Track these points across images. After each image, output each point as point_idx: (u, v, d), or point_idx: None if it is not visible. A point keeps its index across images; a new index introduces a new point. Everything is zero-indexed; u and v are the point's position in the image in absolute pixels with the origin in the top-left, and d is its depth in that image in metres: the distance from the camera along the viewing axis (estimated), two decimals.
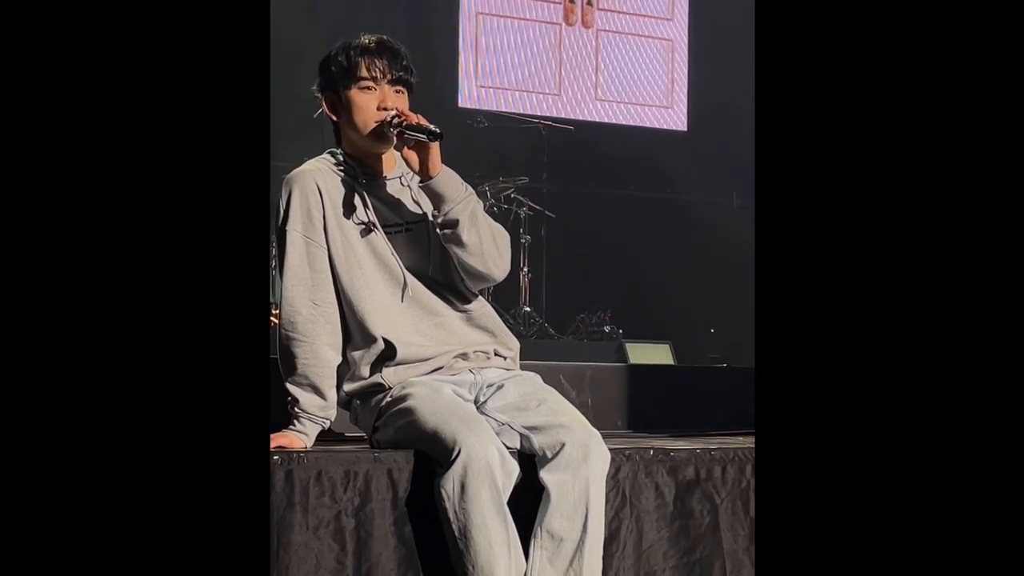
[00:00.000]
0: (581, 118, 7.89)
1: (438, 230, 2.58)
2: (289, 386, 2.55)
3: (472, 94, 7.69)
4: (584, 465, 2.39)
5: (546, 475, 2.40)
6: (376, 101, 2.59)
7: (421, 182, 2.57)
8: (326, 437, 2.64)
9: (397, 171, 2.69)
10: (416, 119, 2.55)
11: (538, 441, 2.43)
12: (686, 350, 6.74)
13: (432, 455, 2.39)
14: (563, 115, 7.77)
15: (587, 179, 7.84)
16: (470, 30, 7.76)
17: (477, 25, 7.78)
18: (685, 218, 8.00)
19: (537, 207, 6.95)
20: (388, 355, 2.56)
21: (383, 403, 2.55)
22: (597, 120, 8.03)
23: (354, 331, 2.59)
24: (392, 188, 2.67)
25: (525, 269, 6.76)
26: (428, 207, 2.63)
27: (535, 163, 7.21)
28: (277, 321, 2.62)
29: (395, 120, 2.55)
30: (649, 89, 8.28)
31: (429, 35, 7.57)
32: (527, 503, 2.41)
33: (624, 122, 8.06)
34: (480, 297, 2.72)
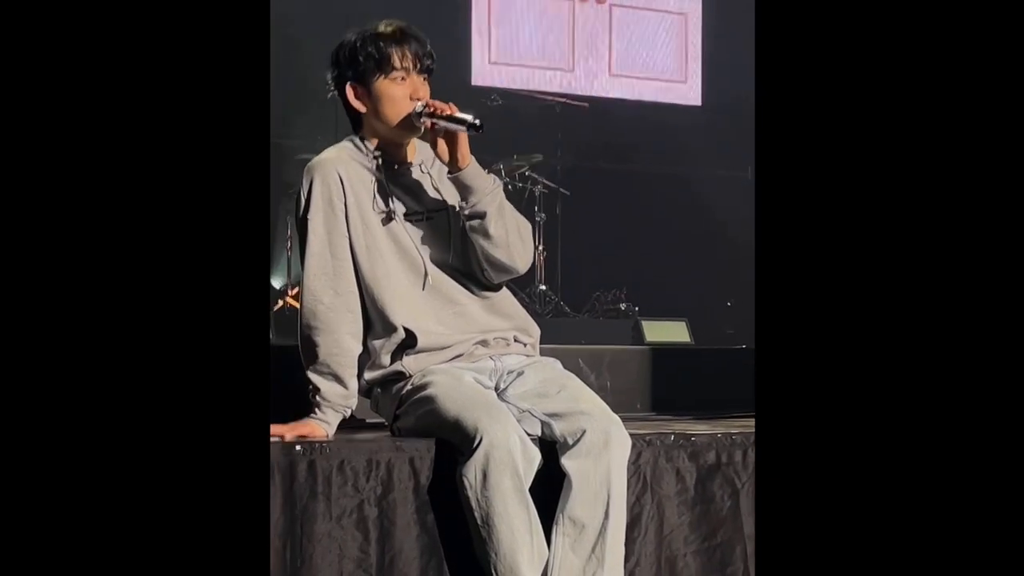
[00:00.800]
0: (595, 94, 7.86)
1: (465, 221, 2.58)
2: (310, 375, 2.55)
3: (485, 72, 7.66)
4: (605, 452, 2.39)
5: (567, 462, 2.40)
6: (408, 92, 2.57)
7: (450, 173, 2.56)
8: (347, 424, 2.65)
9: (417, 158, 2.68)
10: (448, 109, 2.53)
11: (559, 428, 2.43)
12: (702, 326, 6.73)
13: (453, 443, 2.40)
14: (577, 92, 7.73)
15: (602, 156, 7.81)
16: (482, 7, 7.72)
17: (489, 2, 7.75)
18: (700, 193, 7.97)
19: (552, 185, 6.93)
20: (408, 343, 2.56)
21: (404, 391, 2.55)
22: (611, 96, 7.99)
23: (375, 320, 2.59)
24: (413, 176, 2.66)
25: (540, 247, 6.74)
26: (449, 195, 2.63)
27: (549, 140, 7.18)
28: (298, 307, 2.62)
29: (426, 110, 2.54)
30: (663, 64, 8.24)
31: (441, 13, 7.53)
32: (549, 490, 2.42)
33: (638, 98, 8.01)
34: (488, 286, 2.71)
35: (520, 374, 2.58)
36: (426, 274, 2.59)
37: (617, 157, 7.85)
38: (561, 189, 7.03)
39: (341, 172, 2.59)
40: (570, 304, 6.88)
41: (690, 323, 6.48)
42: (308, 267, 2.57)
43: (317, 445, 2.38)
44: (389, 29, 2.59)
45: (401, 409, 2.57)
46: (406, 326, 2.56)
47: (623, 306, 6.89)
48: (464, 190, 2.56)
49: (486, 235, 2.57)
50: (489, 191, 2.56)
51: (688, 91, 8.30)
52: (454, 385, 2.47)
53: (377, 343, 2.59)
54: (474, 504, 2.32)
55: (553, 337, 3.82)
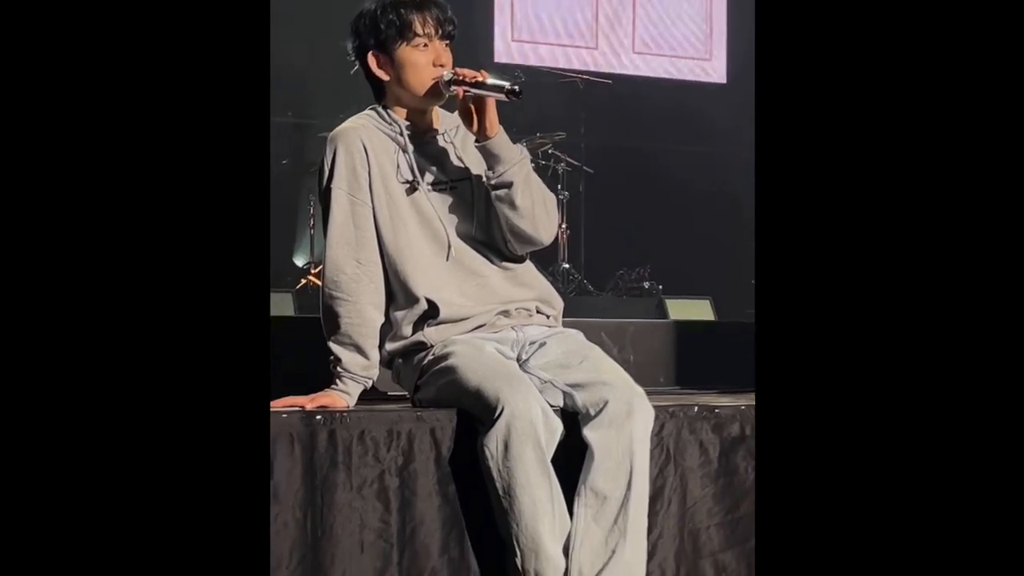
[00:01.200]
0: (619, 72, 7.81)
1: (491, 191, 2.56)
2: (332, 345, 2.54)
3: (508, 49, 7.62)
4: (628, 422, 2.37)
5: (589, 433, 2.38)
6: (431, 58, 2.55)
7: (477, 141, 2.54)
8: (368, 396, 2.64)
9: (441, 127, 2.66)
10: (479, 76, 2.51)
11: (581, 398, 2.41)
12: (726, 305, 6.69)
13: (475, 413, 2.38)
14: (600, 69, 7.69)
15: (625, 133, 7.77)
16: None
17: None
18: (724, 171, 7.92)
19: (575, 163, 6.90)
20: (430, 314, 2.54)
21: (425, 361, 2.54)
22: (635, 73, 7.94)
23: (396, 291, 2.58)
24: (437, 145, 2.64)
25: (563, 226, 6.72)
26: (473, 165, 2.61)
27: (572, 118, 7.15)
28: (318, 281, 2.61)
29: (455, 78, 2.52)
30: (688, 41, 8.18)
31: None
32: (571, 462, 2.40)
33: (662, 75, 7.97)
34: (510, 256, 2.69)
35: (542, 345, 2.56)
36: (449, 245, 2.57)
37: (641, 135, 7.81)
38: (584, 167, 7.00)
39: (365, 141, 2.57)
40: (593, 282, 6.86)
41: (714, 301, 6.45)
42: (331, 237, 2.56)
43: (338, 415, 2.36)
44: None
45: (422, 380, 2.55)
46: (428, 297, 2.54)
47: (647, 284, 6.87)
48: (491, 159, 2.53)
49: (512, 205, 2.54)
50: (517, 161, 2.54)
51: (713, 68, 8.24)
52: (475, 355, 2.45)
53: (399, 314, 2.58)
54: (495, 475, 2.31)
55: (577, 314, 3.80)
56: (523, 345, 2.57)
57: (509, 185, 2.53)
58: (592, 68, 7.66)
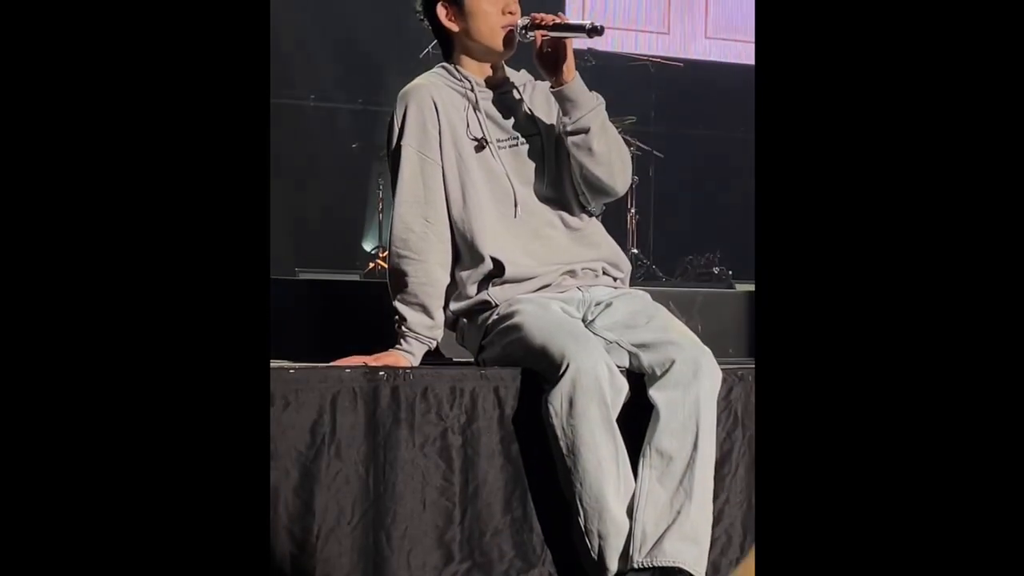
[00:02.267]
0: (690, 56, 7.74)
1: (567, 138, 2.53)
2: (397, 304, 2.52)
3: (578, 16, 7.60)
4: (695, 382, 2.33)
5: (655, 393, 2.34)
6: (500, 5, 2.54)
7: (553, 87, 2.51)
8: (432, 361, 2.62)
9: (509, 84, 2.63)
10: (554, 18, 2.49)
11: (647, 358, 2.37)
12: None
13: (539, 371, 2.35)
14: (672, 54, 7.63)
15: (696, 118, 7.70)
16: None
17: None
18: None
19: (645, 147, 6.84)
20: (495, 274, 2.52)
21: (490, 321, 2.51)
22: (707, 59, 7.87)
23: (463, 250, 2.56)
24: (506, 102, 2.62)
25: (632, 211, 6.67)
26: (545, 118, 2.58)
27: (643, 103, 7.09)
28: (383, 265, 2.59)
29: (532, 23, 2.49)
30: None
31: None
32: (637, 422, 2.36)
33: (734, 60, 7.88)
34: (591, 216, 2.66)
35: (608, 305, 2.52)
36: (516, 203, 2.55)
37: (711, 120, 7.73)
38: (655, 151, 6.94)
39: (435, 98, 2.55)
40: (662, 268, 6.80)
41: None
42: (400, 194, 2.54)
43: (401, 372, 2.35)
44: None
45: (487, 339, 2.53)
46: (494, 256, 2.51)
47: (716, 270, 6.80)
48: (568, 104, 2.50)
49: (589, 151, 2.51)
50: (594, 107, 2.51)
51: None
52: (541, 314, 2.42)
53: (464, 273, 2.55)
54: (559, 432, 2.28)
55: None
56: (589, 305, 2.53)
57: (587, 130, 2.50)
58: (664, 53, 7.59)
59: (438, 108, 2.54)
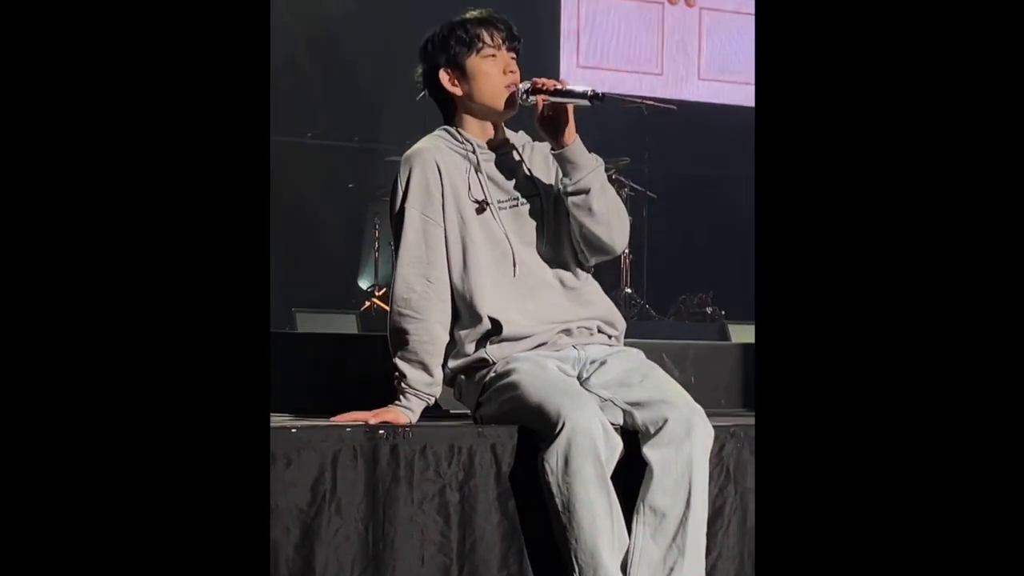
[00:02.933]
0: (685, 98, 7.82)
1: (567, 199, 2.59)
2: (398, 362, 2.57)
3: (574, 75, 7.67)
4: (687, 441, 2.38)
5: (649, 451, 2.40)
6: (500, 67, 2.61)
7: (554, 150, 2.57)
8: (430, 413, 2.67)
9: (509, 145, 2.70)
10: (556, 84, 2.56)
11: (641, 417, 2.43)
12: None
13: (536, 429, 2.40)
14: (666, 96, 7.71)
15: (689, 159, 7.78)
16: (571, 11, 7.73)
17: (578, 5, 7.76)
18: None
19: (639, 188, 6.92)
20: (493, 332, 2.57)
21: (487, 378, 2.56)
22: (700, 100, 7.95)
23: (462, 309, 2.61)
24: (507, 163, 2.68)
25: (627, 251, 6.73)
26: (544, 180, 2.65)
27: (637, 144, 7.17)
28: (382, 304, 2.64)
29: (533, 88, 2.56)
30: (752, 67, 8.17)
31: (531, 16, 7.56)
32: (630, 479, 2.41)
33: (727, 101, 7.97)
34: (587, 274, 2.72)
35: (603, 363, 2.57)
36: (515, 263, 2.60)
37: (704, 161, 7.80)
38: (648, 192, 7.01)
39: (439, 161, 2.61)
40: (656, 307, 6.86)
41: None
42: (402, 256, 2.59)
43: (400, 430, 2.39)
44: (475, 14, 2.65)
45: (484, 396, 2.58)
46: (492, 316, 2.57)
47: (709, 309, 6.86)
48: (569, 166, 2.57)
49: (589, 211, 2.57)
50: (594, 168, 2.58)
51: None
52: (537, 372, 2.47)
53: (462, 332, 2.61)
54: (555, 490, 2.33)
55: (639, 337, 3.78)
56: (584, 363, 2.59)
57: (587, 191, 2.56)
58: (657, 94, 7.67)
59: (441, 171, 2.60)
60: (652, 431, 2.40)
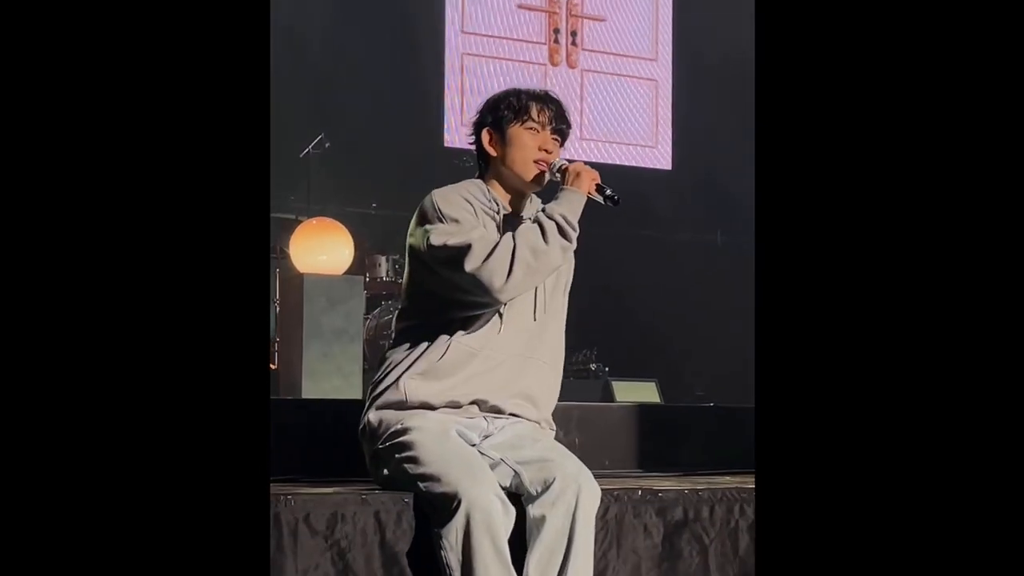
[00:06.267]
0: (566, 157, 7.91)
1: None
2: (521, 231, 2.55)
3: (458, 134, 7.73)
4: (573, 501, 2.39)
5: (535, 510, 2.41)
6: (539, 142, 2.66)
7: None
8: (315, 480, 2.63)
9: (528, 212, 2.71)
10: (593, 177, 2.65)
11: (528, 476, 2.44)
12: (672, 388, 6.74)
13: (430, 499, 2.39)
14: None
15: None
16: (456, 71, 7.80)
17: (463, 66, 7.83)
18: (670, 256, 8.02)
19: None
20: (457, 328, 2.56)
21: (389, 431, 2.53)
22: (582, 159, 8.03)
23: (431, 330, 2.59)
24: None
25: None
26: None
27: None
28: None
29: (562, 169, 2.65)
30: (634, 128, 8.33)
31: (415, 76, 7.61)
32: (518, 537, 2.41)
33: (609, 161, 8.10)
34: (561, 362, 2.76)
35: (500, 430, 2.59)
36: (500, 328, 2.60)
37: (587, 219, 7.86)
38: None
39: (469, 197, 2.62)
40: None
41: (659, 384, 6.49)
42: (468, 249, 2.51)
43: (283, 497, 2.37)
44: (536, 90, 2.72)
45: (383, 446, 2.53)
46: (467, 341, 2.57)
47: (593, 366, 6.91)
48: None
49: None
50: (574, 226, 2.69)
51: (658, 155, 8.39)
52: (439, 440, 2.46)
53: (414, 349, 2.58)
54: (453, 564, 2.32)
55: None
56: (485, 433, 2.58)
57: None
58: None
59: (473, 204, 2.61)
60: (539, 490, 2.42)
